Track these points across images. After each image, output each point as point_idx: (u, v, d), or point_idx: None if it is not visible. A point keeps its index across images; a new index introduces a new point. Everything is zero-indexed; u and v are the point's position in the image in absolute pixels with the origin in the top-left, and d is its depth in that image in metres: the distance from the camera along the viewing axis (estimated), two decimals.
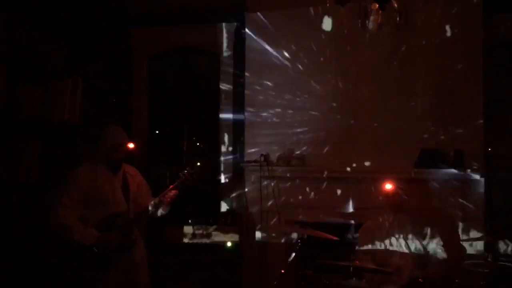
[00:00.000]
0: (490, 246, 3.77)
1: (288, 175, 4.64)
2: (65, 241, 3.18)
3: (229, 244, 4.45)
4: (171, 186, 3.42)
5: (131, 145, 3.47)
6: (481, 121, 4.44)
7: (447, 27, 4.49)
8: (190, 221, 4.51)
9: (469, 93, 4.47)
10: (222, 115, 5.23)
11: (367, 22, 2.44)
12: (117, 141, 3.33)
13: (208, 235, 4.48)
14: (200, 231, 4.48)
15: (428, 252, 3.70)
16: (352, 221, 4.53)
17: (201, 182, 3.83)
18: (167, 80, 5.58)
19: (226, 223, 4.59)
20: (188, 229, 4.49)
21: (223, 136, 5.22)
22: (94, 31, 4.55)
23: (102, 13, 4.79)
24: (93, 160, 3.39)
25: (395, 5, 2.34)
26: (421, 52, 4.57)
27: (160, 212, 3.46)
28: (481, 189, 4.38)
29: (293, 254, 3.52)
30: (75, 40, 4.21)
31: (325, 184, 4.62)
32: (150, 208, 3.37)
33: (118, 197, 3.36)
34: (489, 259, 3.52)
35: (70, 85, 3.97)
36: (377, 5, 2.41)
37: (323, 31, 4.53)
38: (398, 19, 2.39)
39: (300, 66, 4.78)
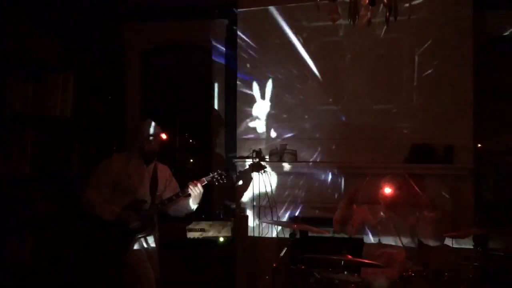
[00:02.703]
0: (479, 240, 3.81)
1: (280, 170, 4.67)
2: (90, 215, 3.42)
3: (221, 239, 4.47)
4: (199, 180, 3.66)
5: (163, 136, 3.73)
6: (471, 116, 4.49)
7: (438, 23, 4.53)
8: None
9: (459, 89, 4.50)
10: (215, 111, 5.25)
11: (357, 17, 2.46)
12: (150, 132, 3.61)
13: (201, 231, 4.49)
14: (193, 227, 4.49)
15: (419, 246, 3.76)
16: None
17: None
18: (159, 76, 5.58)
19: (218, 218, 4.61)
20: (181, 225, 4.50)
21: (216, 132, 5.24)
22: (86, 25, 4.53)
23: (95, 8, 4.77)
24: (129, 151, 3.73)
25: (385, 0, 2.37)
26: (411, 49, 4.60)
27: (190, 206, 3.69)
28: (471, 184, 4.44)
29: (285, 249, 3.55)
30: (68, 35, 4.20)
31: (317, 179, 4.65)
32: (180, 194, 3.62)
33: (145, 188, 3.59)
34: (478, 252, 3.55)
35: (62, 80, 3.98)
36: (367, 0, 2.43)
37: (315, 28, 4.61)
38: (387, 14, 2.41)
39: (291, 62, 4.80)
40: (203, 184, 3.65)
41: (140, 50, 5.50)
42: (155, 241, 3.67)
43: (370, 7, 2.48)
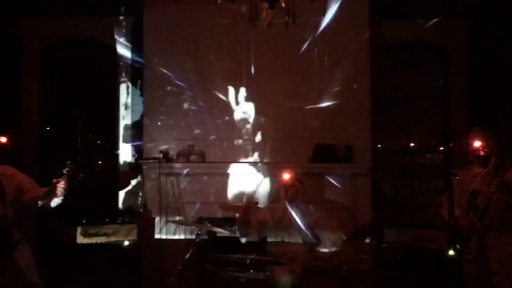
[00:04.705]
0: (376, 233, 4.05)
1: (188, 171, 4.63)
2: None
3: (126, 242, 4.34)
4: (54, 180, 3.12)
5: (3, 139, 3.22)
6: (369, 118, 4.77)
7: (337, 31, 4.71)
8: (84, 220, 4.32)
9: (357, 92, 4.77)
10: (120, 110, 5.09)
11: (255, 20, 2.51)
12: None
13: (105, 234, 4.33)
14: (96, 230, 4.31)
15: (320, 241, 3.92)
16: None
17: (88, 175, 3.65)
18: (61, 73, 5.30)
19: (124, 221, 4.47)
20: (82, 229, 4.30)
21: (121, 132, 5.08)
22: None
23: None
24: None
25: (283, 4, 2.45)
26: (314, 53, 4.76)
27: (54, 202, 3.17)
28: (368, 182, 4.71)
29: (191, 250, 3.53)
30: None
31: (224, 179, 4.68)
32: (39, 202, 3.11)
33: None
34: (373, 246, 3.78)
35: None
36: (267, 4, 2.50)
37: (219, 28, 4.62)
38: (286, 18, 2.50)
39: (199, 62, 4.79)
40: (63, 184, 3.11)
41: (39, 45, 5.19)
42: (25, 256, 3.18)
43: (270, 10, 2.57)
